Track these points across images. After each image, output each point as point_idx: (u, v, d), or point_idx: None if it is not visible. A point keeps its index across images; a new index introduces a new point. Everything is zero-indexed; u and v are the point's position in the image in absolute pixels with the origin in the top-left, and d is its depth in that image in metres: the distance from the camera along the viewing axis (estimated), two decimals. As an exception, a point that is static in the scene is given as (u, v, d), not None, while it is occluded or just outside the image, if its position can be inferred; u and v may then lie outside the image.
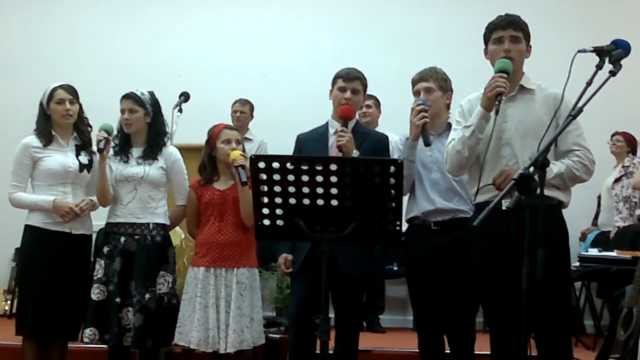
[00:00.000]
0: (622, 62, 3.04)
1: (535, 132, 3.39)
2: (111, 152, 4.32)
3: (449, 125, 4.11)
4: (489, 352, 4.30)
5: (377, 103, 6.51)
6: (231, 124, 6.15)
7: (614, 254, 5.50)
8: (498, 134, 3.51)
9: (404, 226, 4.01)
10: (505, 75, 3.39)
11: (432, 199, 4.03)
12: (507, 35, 3.54)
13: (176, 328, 4.21)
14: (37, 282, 4.20)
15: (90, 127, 4.48)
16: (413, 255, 4.10)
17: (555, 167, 3.43)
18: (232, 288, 4.17)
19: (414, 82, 4.16)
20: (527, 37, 3.59)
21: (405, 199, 4.12)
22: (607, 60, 3.06)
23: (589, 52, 3.13)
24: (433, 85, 4.09)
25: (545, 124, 3.37)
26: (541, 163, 2.85)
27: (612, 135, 6.85)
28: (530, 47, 3.61)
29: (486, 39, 3.64)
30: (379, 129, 5.49)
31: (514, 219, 3.02)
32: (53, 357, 4.33)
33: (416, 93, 4.13)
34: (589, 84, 3.05)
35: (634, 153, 6.77)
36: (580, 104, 2.97)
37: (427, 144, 3.90)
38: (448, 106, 4.20)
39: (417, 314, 4.23)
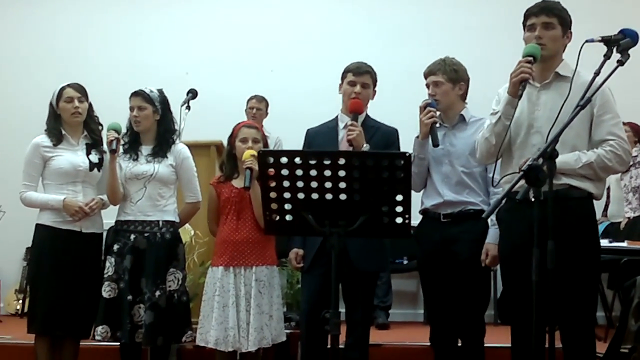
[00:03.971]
0: (630, 51, 3.03)
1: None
2: (120, 150, 4.32)
3: (462, 117, 4.10)
4: (499, 345, 4.32)
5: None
6: (245, 120, 6.19)
7: (624, 244, 5.47)
8: (530, 122, 3.47)
9: (418, 218, 4.05)
10: (531, 60, 3.31)
11: (441, 192, 4.02)
12: (539, 22, 3.46)
13: (197, 329, 4.23)
14: (49, 280, 4.22)
15: (101, 125, 4.50)
16: (424, 247, 4.10)
17: (585, 157, 3.37)
18: (252, 286, 4.17)
19: (425, 76, 4.13)
20: (563, 22, 3.48)
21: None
22: (615, 49, 3.05)
23: (597, 41, 3.12)
24: (441, 78, 4.04)
25: (581, 112, 3.15)
26: (550, 154, 2.84)
27: (620, 125, 6.80)
28: (571, 32, 3.51)
29: (523, 26, 3.56)
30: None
31: (542, 210, 2.97)
32: (65, 355, 4.35)
33: (427, 87, 4.12)
34: (597, 73, 3.04)
35: (641, 142, 6.73)
36: (588, 94, 2.96)
37: (436, 144, 3.89)
38: (463, 96, 4.14)
39: (429, 306, 4.23)
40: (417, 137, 4.02)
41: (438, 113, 3.98)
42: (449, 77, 4.05)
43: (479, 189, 3.99)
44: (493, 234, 3.89)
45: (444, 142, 3.98)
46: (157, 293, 4.16)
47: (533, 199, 2.89)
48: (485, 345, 4.05)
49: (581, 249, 3.33)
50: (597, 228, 3.56)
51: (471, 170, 4.00)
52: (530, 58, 3.31)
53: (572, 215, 3.31)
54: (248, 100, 7.10)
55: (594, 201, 3.51)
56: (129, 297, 4.16)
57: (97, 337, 4.17)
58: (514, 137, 3.53)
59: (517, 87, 3.30)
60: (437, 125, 3.96)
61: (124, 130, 4.37)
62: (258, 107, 7.07)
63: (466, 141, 4.03)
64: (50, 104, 4.42)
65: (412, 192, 3.92)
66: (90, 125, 4.47)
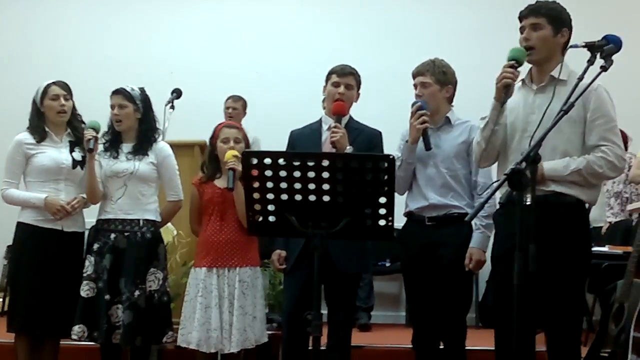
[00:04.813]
0: (614, 57, 3.05)
1: (560, 124, 3.06)
2: (101, 147, 4.30)
3: (448, 120, 4.09)
4: (480, 348, 4.32)
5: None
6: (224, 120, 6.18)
7: (605, 249, 5.51)
8: (524, 126, 3.44)
9: (402, 220, 4.06)
10: (514, 64, 3.26)
11: (426, 195, 4.02)
12: (528, 23, 3.42)
13: (179, 330, 4.21)
14: (29, 279, 4.20)
15: (84, 123, 4.47)
16: (408, 250, 4.10)
17: (574, 163, 3.33)
18: (235, 287, 4.16)
19: (413, 76, 4.12)
20: (554, 20, 3.40)
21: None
22: (598, 55, 3.06)
23: (581, 47, 3.13)
24: (429, 79, 4.03)
25: (572, 117, 3.18)
26: (533, 158, 2.84)
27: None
28: (567, 30, 3.43)
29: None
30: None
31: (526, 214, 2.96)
32: (45, 354, 4.32)
33: (414, 87, 4.11)
34: (580, 79, 3.05)
35: (625, 148, 6.75)
36: (572, 99, 2.97)
37: (428, 148, 3.89)
38: (450, 99, 4.12)
39: (411, 308, 4.23)
40: (406, 141, 4.01)
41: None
42: (437, 78, 4.04)
43: (463, 192, 4.00)
44: (477, 238, 3.90)
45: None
46: (137, 293, 4.13)
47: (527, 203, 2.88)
48: (467, 348, 4.06)
49: (567, 254, 3.30)
50: (587, 234, 3.51)
51: (456, 173, 4.00)
52: (513, 62, 3.27)
53: (558, 221, 3.29)
54: (225, 101, 7.08)
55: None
56: (107, 297, 4.13)
57: (73, 337, 4.14)
58: (509, 141, 3.52)
59: (501, 93, 3.28)
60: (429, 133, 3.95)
61: (104, 129, 4.35)
62: (234, 106, 7.05)
63: (451, 143, 4.04)
64: (34, 101, 4.39)
65: (396, 194, 3.96)
66: (73, 123, 4.46)
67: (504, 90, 3.27)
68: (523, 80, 3.54)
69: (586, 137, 3.38)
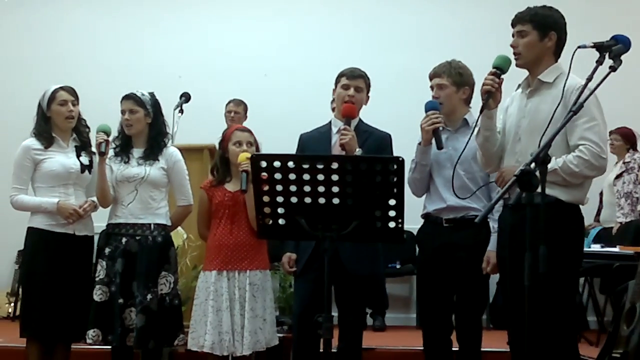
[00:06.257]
0: (622, 57, 3.04)
1: (543, 127, 3.19)
2: (111, 152, 4.32)
3: (466, 121, 4.08)
4: (492, 349, 4.31)
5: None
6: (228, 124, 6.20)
7: (616, 249, 5.50)
8: (515, 130, 3.49)
9: (419, 222, 4.05)
10: (497, 72, 3.35)
11: (444, 197, 4.00)
12: (515, 31, 3.49)
13: (189, 333, 4.22)
14: (41, 284, 4.20)
15: (88, 128, 4.49)
16: (424, 252, 4.10)
17: (551, 163, 3.24)
18: (246, 290, 4.16)
19: (430, 77, 4.12)
20: (540, 25, 3.45)
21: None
22: (607, 55, 3.05)
23: (589, 47, 3.13)
24: (445, 81, 4.02)
25: (555, 118, 3.18)
26: (542, 159, 2.83)
27: (610, 134, 6.78)
28: (552, 35, 3.46)
29: None
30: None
31: (521, 215, 2.93)
32: (57, 358, 4.33)
33: (431, 88, 4.11)
34: (589, 79, 3.04)
35: (634, 148, 6.73)
36: (580, 100, 2.96)
37: (440, 147, 3.87)
38: (467, 101, 4.11)
39: (422, 311, 4.22)
40: (419, 143, 4.01)
41: (440, 117, 3.95)
42: (453, 80, 4.03)
43: (481, 194, 3.96)
44: (495, 241, 3.87)
45: (446, 145, 3.95)
46: (149, 296, 4.15)
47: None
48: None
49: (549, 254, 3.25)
50: (574, 234, 3.45)
51: (473, 175, 3.97)
52: (494, 70, 3.36)
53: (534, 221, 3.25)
54: (226, 104, 7.08)
55: (581, 206, 3.48)
56: (120, 301, 4.15)
57: (88, 341, 4.15)
58: (505, 145, 3.56)
59: (484, 99, 3.37)
60: (440, 128, 3.93)
61: (115, 134, 4.36)
62: (236, 110, 7.01)
63: (469, 145, 4.01)
64: (40, 105, 4.38)
65: (414, 196, 3.97)
66: (79, 127, 4.46)
67: (486, 97, 3.35)
68: (521, 85, 3.59)
69: (568, 137, 3.39)
